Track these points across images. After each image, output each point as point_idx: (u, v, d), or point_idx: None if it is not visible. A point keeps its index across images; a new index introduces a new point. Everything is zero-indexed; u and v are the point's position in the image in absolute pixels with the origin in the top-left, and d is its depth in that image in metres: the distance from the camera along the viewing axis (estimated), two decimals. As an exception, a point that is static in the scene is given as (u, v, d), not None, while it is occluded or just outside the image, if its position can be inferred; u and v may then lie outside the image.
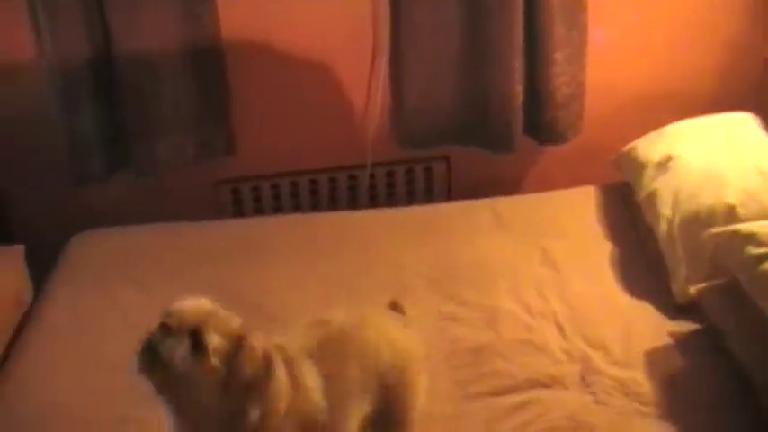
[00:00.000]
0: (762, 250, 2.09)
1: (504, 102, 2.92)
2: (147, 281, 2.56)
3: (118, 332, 2.37)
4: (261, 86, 3.04)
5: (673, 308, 2.34)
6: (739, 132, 2.71)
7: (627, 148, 2.86)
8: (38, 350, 2.36)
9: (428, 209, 2.92)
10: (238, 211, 3.16)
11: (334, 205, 3.19)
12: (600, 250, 2.61)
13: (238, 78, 2.97)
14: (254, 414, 1.56)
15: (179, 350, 1.47)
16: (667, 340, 2.23)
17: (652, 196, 2.59)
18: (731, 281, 2.18)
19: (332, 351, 1.72)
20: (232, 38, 2.91)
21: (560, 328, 2.30)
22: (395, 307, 1.95)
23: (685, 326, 2.27)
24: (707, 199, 2.40)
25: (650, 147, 2.76)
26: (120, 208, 3.10)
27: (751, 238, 2.14)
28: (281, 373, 1.61)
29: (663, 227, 2.48)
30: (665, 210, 2.50)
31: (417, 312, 2.26)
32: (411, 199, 3.21)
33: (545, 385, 2.11)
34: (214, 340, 1.50)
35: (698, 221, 2.37)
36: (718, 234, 2.26)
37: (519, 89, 2.91)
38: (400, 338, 1.83)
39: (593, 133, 3.10)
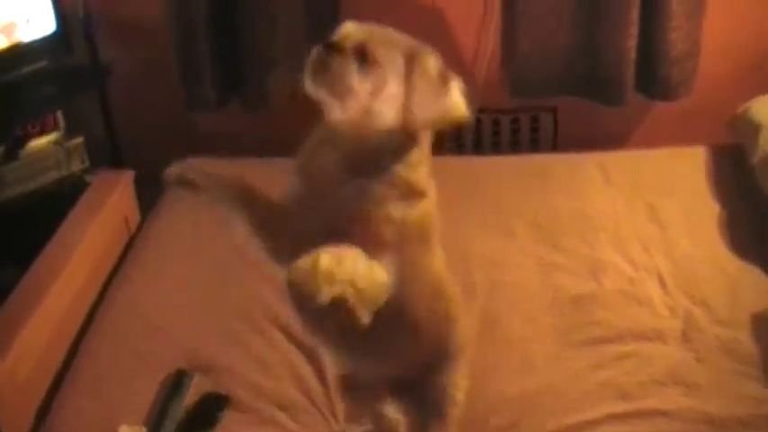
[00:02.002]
0: None
1: (617, 54, 2.86)
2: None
3: (223, 255, 2.42)
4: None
5: (783, 274, 2.27)
6: None
7: (741, 108, 2.78)
8: (145, 270, 2.42)
9: (534, 158, 2.90)
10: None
11: (437, 149, 3.18)
12: (708, 211, 2.55)
13: (352, 16, 2.97)
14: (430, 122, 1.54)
15: (348, 63, 1.46)
16: (775, 306, 2.17)
17: (767, 159, 2.52)
18: None
19: None
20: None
21: (663, 284, 2.27)
22: None
23: (795, 293, 2.20)
24: (826, 163, 2.33)
25: (766, 107, 2.68)
26: (229, 139, 3.16)
27: None
28: None
29: (777, 190, 2.42)
30: (781, 173, 2.44)
31: (521, 259, 2.27)
32: (516, 148, 3.19)
33: (646, 338, 2.09)
34: (381, 52, 1.48)
35: (815, 186, 2.31)
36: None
37: (633, 42, 2.85)
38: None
39: (705, 92, 3.02)
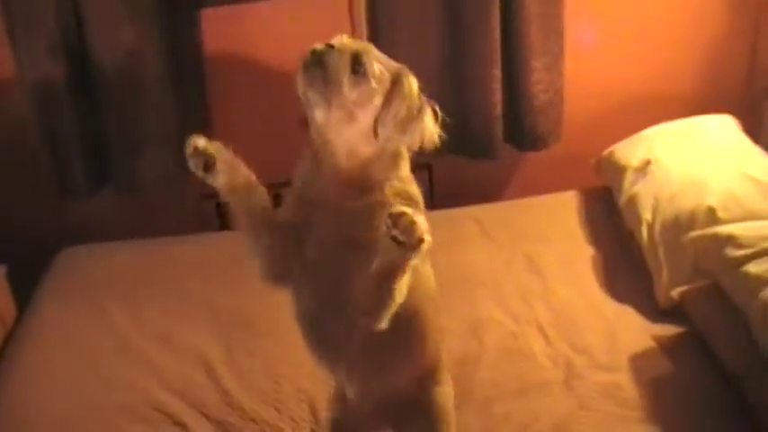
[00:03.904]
0: (741, 252, 2.12)
1: (485, 110, 2.94)
2: (134, 296, 2.57)
3: (107, 348, 2.39)
4: (242, 101, 3.04)
5: (656, 311, 2.35)
6: (718, 135, 2.73)
7: (605, 152, 2.87)
8: (24, 369, 2.35)
9: (411, 218, 2.93)
10: (223, 225, 3.16)
11: (318, 216, 3.19)
12: (583, 255, 2.62)
13: (220, 93, 2.98)
14: (400, 142, 1.59)
15: (342, 66, 1.49)
16: (651, 344, 2.24)
17: (632, 201, 2.61)
18: (713, 283, 2.20)
19: None
20: (213, 52, 2.92)
21: (544, 335, 2.31)
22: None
23: (669, 329, 2.28)
24: (687, 202, 2.40)
25: (629, 151, 2.78)
26: (104, 223, 3.10)
27: (731, 240, 2.17)
28: None
29: (644, 231, 2.50)
30: (646, 214, 2.52)
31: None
32: (393, 208, 3.20)
33: (531, 392, 2.12)
34: (374, 66, 1.52)
35: (678, 225, 2.38)
36: (698, 237, 2.28)
37: (498, 97, 2.93)
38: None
39: (574, 138, 3.12)
